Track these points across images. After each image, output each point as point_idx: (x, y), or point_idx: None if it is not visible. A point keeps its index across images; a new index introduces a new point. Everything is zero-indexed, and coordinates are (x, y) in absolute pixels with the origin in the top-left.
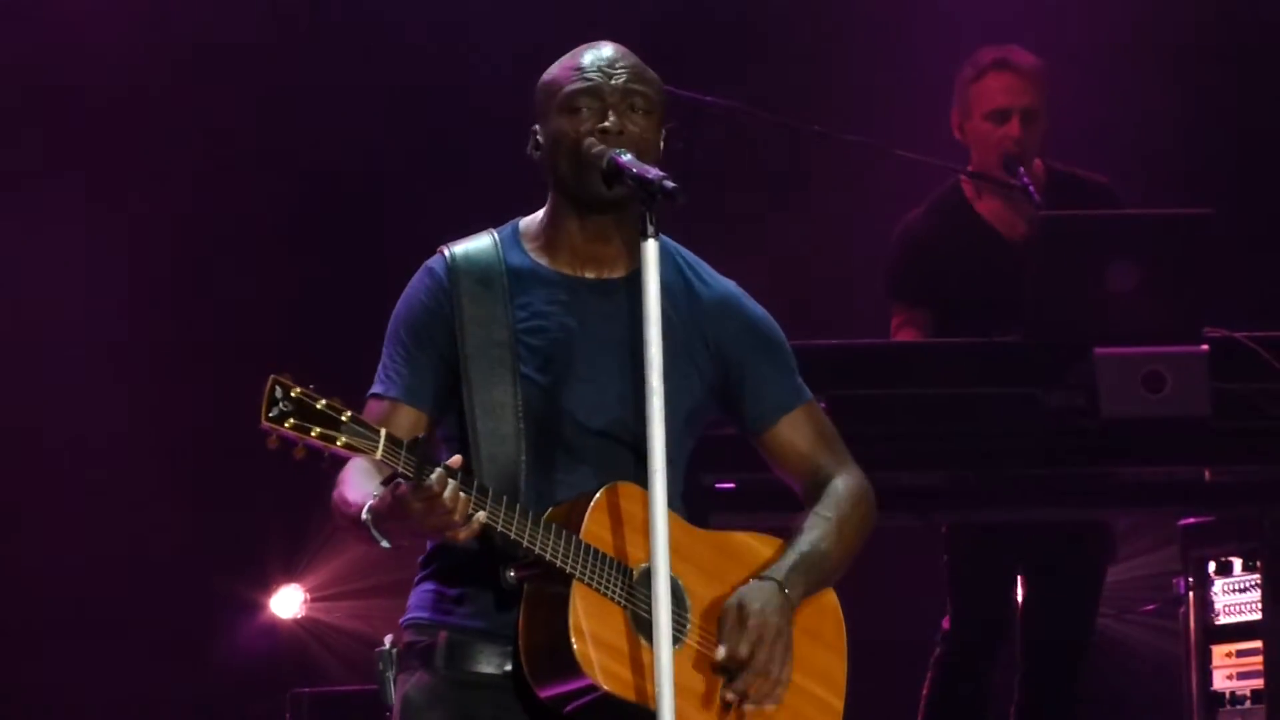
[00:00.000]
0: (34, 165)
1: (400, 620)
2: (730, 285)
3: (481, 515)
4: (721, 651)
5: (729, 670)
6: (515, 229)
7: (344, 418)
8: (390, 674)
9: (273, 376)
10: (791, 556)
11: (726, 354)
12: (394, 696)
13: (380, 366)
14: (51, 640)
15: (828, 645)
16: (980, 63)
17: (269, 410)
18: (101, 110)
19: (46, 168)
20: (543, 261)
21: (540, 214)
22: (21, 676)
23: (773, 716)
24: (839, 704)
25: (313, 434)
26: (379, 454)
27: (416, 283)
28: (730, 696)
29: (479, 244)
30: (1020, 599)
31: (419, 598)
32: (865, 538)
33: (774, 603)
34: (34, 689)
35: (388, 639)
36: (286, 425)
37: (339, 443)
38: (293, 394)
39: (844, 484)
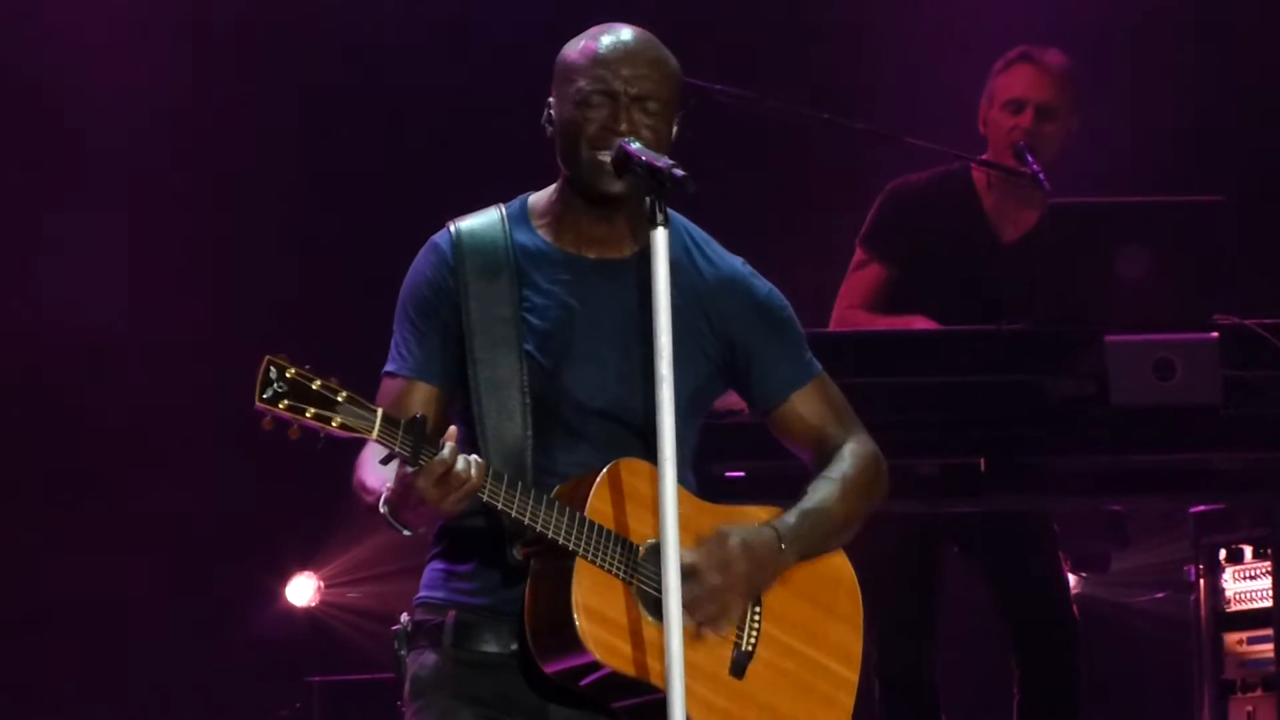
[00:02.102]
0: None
1: (413, 599)
2: (736, 263)
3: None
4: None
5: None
6: (524, 205)
7: (340, 398)
8: (404, 652)
9: (268, 357)
10: (792, 512)
11: (732, 333)
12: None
13: (392, 344)
14: (61, 626)
15: (842, 618)
16: (1008, 56)
17: (263, 391)
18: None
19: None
20: (550, 240)
21: (550, 190)
22: (31, 662)
23: (783, 690)
24: (854, 676)
25: (307, 415)
26: (375, 434)
27: (421, 259)
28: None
29: (485, 219)
30: (991, 597)
31: (429, 576)
32: (873, 501)
33: (756, 539)
34: (44, 675)
35: (404, 616)
36: (281, 406)
37: (334, 423)
38: (288, 374)
39: (850, 449)
